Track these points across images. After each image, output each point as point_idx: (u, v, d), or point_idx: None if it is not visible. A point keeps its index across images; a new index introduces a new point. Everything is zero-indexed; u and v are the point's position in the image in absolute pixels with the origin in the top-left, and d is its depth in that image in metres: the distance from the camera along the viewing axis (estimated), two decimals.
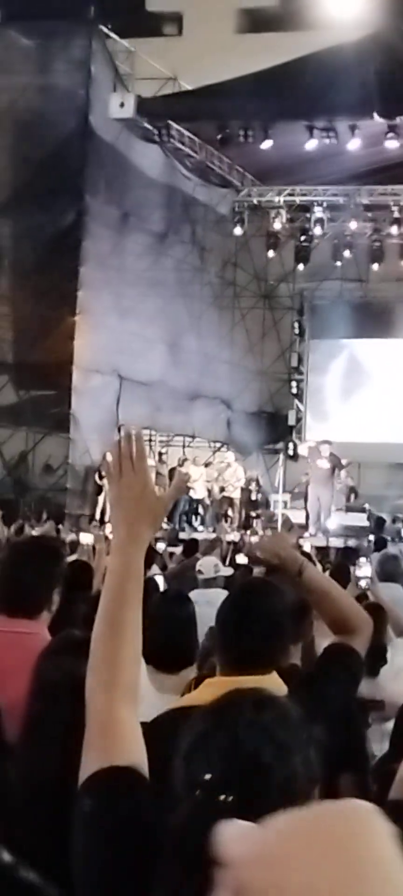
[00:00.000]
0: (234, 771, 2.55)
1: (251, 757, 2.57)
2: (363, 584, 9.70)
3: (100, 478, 29.30)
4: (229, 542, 20.03)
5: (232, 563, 13.86)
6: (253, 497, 31.96)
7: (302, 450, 33.27)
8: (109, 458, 3.30)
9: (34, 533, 17.00)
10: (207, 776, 2.53)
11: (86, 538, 12.16)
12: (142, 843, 2.74)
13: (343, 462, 30.62)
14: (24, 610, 5.63)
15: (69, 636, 4.79)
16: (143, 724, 3.13)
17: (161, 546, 16.79)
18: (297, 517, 30.78)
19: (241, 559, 12.58)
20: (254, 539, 21.73)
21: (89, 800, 2.80)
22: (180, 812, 2.55)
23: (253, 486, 32.06)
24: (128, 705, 3.01)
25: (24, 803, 4.13)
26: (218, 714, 2.69)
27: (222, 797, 2.49)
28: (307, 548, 21.37)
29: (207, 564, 11.88)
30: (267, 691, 2.79)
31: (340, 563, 13.79)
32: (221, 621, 4.60)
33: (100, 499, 29.18)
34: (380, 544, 18.39)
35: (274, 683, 4.30)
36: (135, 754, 2.92)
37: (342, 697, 4.58)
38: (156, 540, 18.37)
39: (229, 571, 12.01)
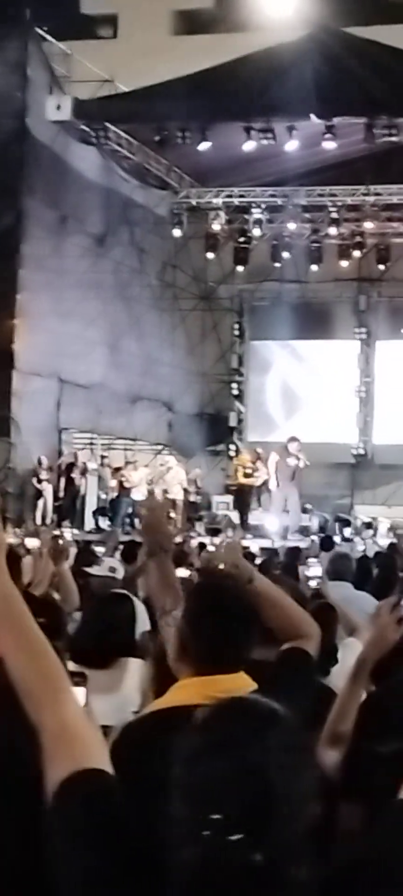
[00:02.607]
0: (244, 808, 2.50)
1: (262, 791, 2.51)
2: (313, 584, 9.65)
3: (39, 481, 29.25)
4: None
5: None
6: (192, 499, 32.00)
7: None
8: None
9: None
10: (216, 816, 2.48)
11: (31, 542, 12.04)
12: (119, 842, 2.70)
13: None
14: None
15: None
16: (124, 728, 3.08)
17: (100, 549, 16.59)
18: (238, 518, 30.82)
19: (182, 573, 12.40)
20: (194, 543, 21.68)
21: (65, 806, 2.74)
22: (188, 851, 2.50)
23: (192, 488, 32.07)
24: (78, 708, 2.98)
25: None
26: (220, 735, 2.62)
27: (232, 837, 2.47)
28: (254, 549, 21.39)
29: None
30: (267, 704, 2.73)
31: (288, 563, 13.77)
32: (192, 620, 4.55)
33: (40, 503, 29.13)
34: (328, 544, 18.38)
35: (244, 682, 4.29)
36: (101, 755, 2.88)
37: (303, 701, 4.57)
38: (97, 543, 18.23)
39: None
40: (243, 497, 31.62)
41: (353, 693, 5.04)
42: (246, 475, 31.57)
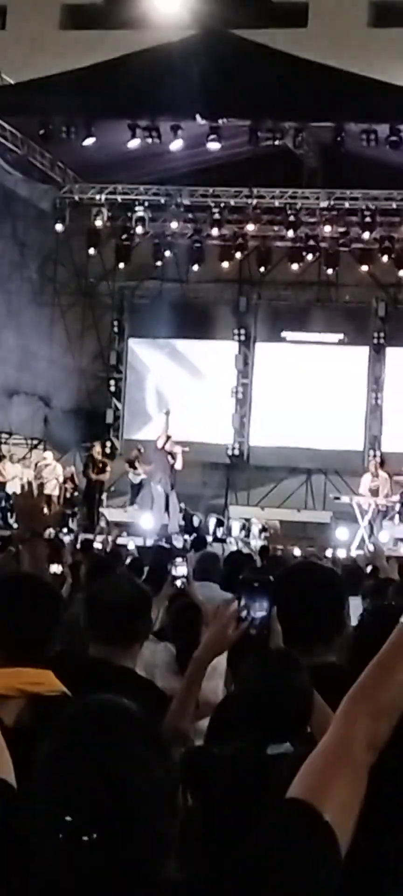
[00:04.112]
0: (96, 808, 2.49)
1: (114, 789, 2.51)
2: (178, 583, 9.73)
3: None
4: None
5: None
6: (68, 495, 31.86)
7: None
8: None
9: None
10: (68, 818, 2.48)
11: None
12: (15, 853, 2.70)
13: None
14: None
15: None
16: None
17: None
18: (113, 515, 30.79)
19: (55, 568, 12.41)
20: (68, 539, 21.61)
21: None
22: (45, 854, 2.50)
23: (69, 485, 31.93)
24: None
25: None
26: (70, 736, 2.62)
27: (85, 838, 2.46)
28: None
29: None
30: (117, 701, 2.72)
31: (156, 563, 13.79)
32: None
33: None
34: (199, 544, 18.44)
35: (49, 678, 4.37)
36: (2, 765, 2.91)
37: None
38: None
39: None
40: (91, 492, 31.51)
41: (189, 691, 5.10)
42: (99, 470, 31.50)
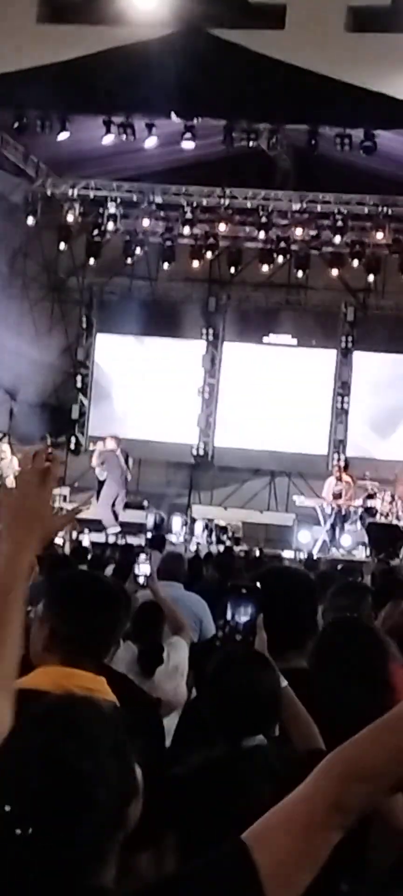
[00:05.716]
0: (38, 801, 2.46)
1: (60, 787, 2.47)
2: (141, 581, 9.75)
3: None
4: None
5: None
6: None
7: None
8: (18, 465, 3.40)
9: None
10: (7, 808, 2.45)
11: None
12: None
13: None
14: None
15: None
16: None
17: None
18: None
19: None
20: None
21: None
22: None
23: None
24: (2, 695, 3.04)
25: None
26: (30, 728, 2.60)
27: (18, 831, 2.42)
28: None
29: None
30: (87, 701, 2.70)
31: (122, 560, 13.82)
32: (63, 613, 4.65)
33: None
34: (158, 543, 18.44)
35: (102, 686, 4.34)
36: None
37: None
38: None
39: None
40: None
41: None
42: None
